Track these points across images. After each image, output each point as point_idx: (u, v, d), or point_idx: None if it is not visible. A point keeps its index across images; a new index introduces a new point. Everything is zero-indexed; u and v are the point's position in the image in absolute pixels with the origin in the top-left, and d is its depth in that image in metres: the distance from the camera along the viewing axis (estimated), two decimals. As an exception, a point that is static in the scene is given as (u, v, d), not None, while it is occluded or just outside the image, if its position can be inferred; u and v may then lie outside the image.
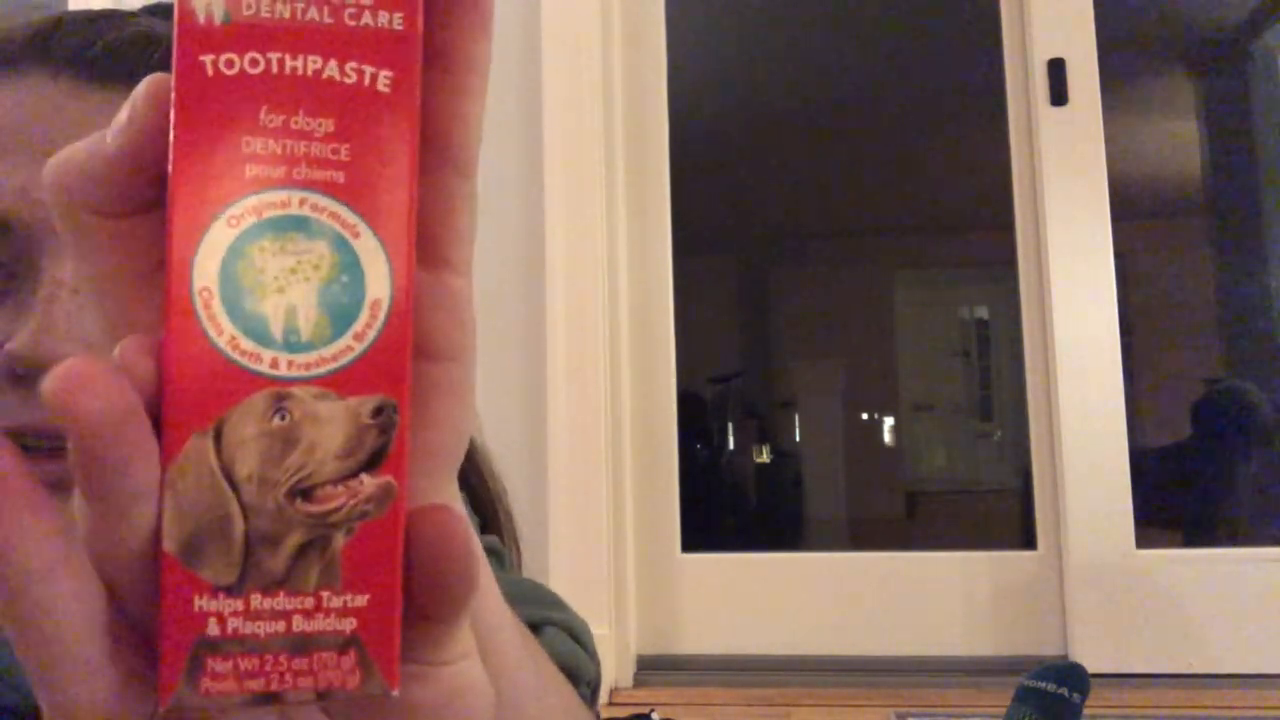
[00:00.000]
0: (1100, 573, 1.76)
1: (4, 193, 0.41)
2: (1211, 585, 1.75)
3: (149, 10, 0.51)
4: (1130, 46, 2.11)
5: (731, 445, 2.57)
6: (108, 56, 0.44)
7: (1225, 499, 2.12)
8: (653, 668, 1.82)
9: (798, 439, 2.59)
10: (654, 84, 2.02)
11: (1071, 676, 1.26)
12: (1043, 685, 1.25)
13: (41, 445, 0.40)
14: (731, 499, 2.49)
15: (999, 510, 2.48)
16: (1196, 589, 1.75)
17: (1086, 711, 1.39)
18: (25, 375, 0.40)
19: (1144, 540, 1.78)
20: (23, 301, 0.41)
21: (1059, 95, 1.86)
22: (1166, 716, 1.55)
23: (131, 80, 0.37)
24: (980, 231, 2.37)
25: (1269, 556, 1.77)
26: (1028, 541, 1.88)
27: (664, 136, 2.01)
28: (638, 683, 1.76)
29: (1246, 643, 1.72)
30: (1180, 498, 2.07)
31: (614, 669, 1.73)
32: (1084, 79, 1.86)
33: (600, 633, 1.74)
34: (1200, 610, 1.74)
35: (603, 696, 1.69)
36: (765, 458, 2.54)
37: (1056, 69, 1.87)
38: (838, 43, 2.44)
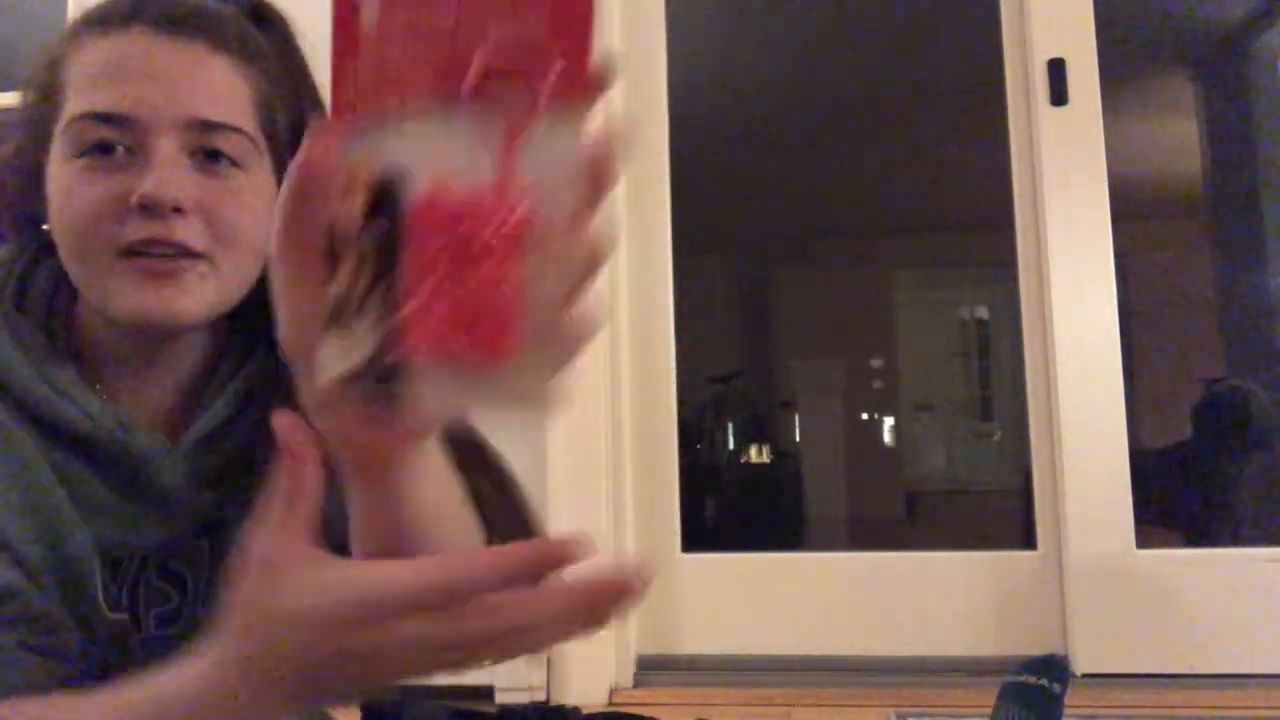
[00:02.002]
0: (1100, 573, 1.76)
1: (129, 101, 0.65)
2: (1211, 585, 1.75)
3: None
4: (1130, 46, 2.11)
5: (731, 445, 2.57)
6: (186, 18, 0.68)
7: (1225, 499, 2.12)
8: (653, 668, 1.82)
9: (798, 439, 2.58)
10: (654, 84, 2.02)
11: (1050, 667, 1.28)
12: (1023, 679, 1.27)
13: (169, 253, 0.66)
14: (731, 499, 2.49)
15: (999, 510, 2.48)
16: (1196, 589, 1.75)
17: (1087, 712, 1.39)
18: (146, 204, 0.64)
19: (1144, 540, 1.78)
20: (145, 165, 0.66)
21: (1059, 95, 1.86)
22: (1166, 716, 1.55)
23: (202, 36, 0.67)
24: (980, 231, 2.37)
25: (1269, 556, 1.77)
26: (1028, 541, 1.88)
27: (664, 136, 2.01)
28: (638, 683, 1.76)
29: (1246, 643, 1.72)
30: (1180, 498, 2.07)
31: (614, 669, 1.73)
32: (1084, 79, 1.86)
33: (600, 633, 1.74)
34: (1200, 610, 1.74)
35: (603, 696, 1.69)
36: (765, 458, 2.54)
37: (1056, 69, 1.87)
38: (838, 43, 2.44)
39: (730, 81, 2.42)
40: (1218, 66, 2.30)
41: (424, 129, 0.34)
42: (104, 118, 0.65)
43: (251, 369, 0.73)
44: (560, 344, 0.36)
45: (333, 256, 0.36)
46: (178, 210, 0.65)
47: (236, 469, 0.71)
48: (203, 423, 0.71)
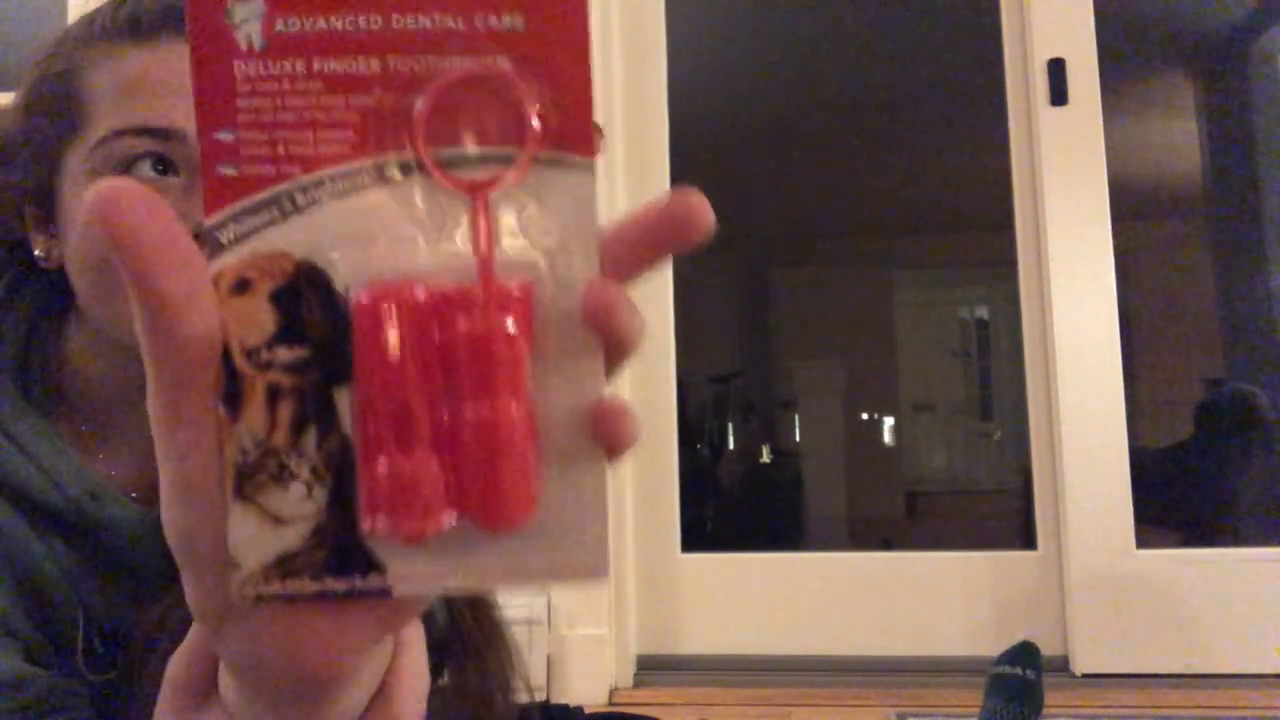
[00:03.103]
0: (1100, 573, 1.76)
1: (179, 114, 0.60)
2: (1211, 585, 1.75)
3: None
4: (1130, 46, 2.11)
5: (731, 445, 2.57)
6: None
7: (1225, 499, 2.12)
8: (653, 668, 1.82)
9: (798, 439, 2.59)
10: (654, 84, 2.02)
11: (1023, 655, 1.30)
12: (1001, 669, 1.29)
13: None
14: (731, 499, 2.49)
15: (999, 510, 2.48)
16: (1196, 589, 1.75)
17: (1087, 712, 1.39)
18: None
19: (1144, 540, 1.78)
20: (198, 192, 0.57)
21: (1059, 95, 1.86)
22: (1166, 716, 1.55)
23: None
24: (980, 231, 2.37)
25: (1269, 556, 1.77)
26: (1028, 542, 1.88)
27: (664, 136, 2.01)
28: (638, 683, 1.76)
29: (1246, 643, 1.72)
30: (1180, 498, 2.07)
31: (614, 669, 1.73)
32: (1084, 79, 1.86)
33: (600, 633, 1.74)
34: (1200, 610, 1.74)
35: (603, 696, 1.69)
36: (765, 458, 2.54)
37: (1056, 69, 1.87)
38: (838, 43, 2.44)
39: (730, 81, 2.42)
40: (1218, 66, 2.30)
41: (346, 205, 0.25)
42: (153, 132, 0.60)
43: None
44: (590, 469, 0.26)
45: (229, 393, 0.24)
46: None
47: None
48: None
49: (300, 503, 0.24)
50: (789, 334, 2.70)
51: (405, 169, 0.25)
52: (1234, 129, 2.29)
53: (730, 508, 2.49)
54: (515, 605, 1.66)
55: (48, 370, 0.65)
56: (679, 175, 2.02)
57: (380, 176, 0.25)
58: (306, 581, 0.25)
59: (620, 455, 0.26)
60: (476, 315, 0.24)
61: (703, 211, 0.26)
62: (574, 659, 1.70)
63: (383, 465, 0.24)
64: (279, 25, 0.24)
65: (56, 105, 0.63)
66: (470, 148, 0.25)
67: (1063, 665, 1.75)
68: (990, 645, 1.80)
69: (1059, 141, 1.86)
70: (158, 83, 0.61)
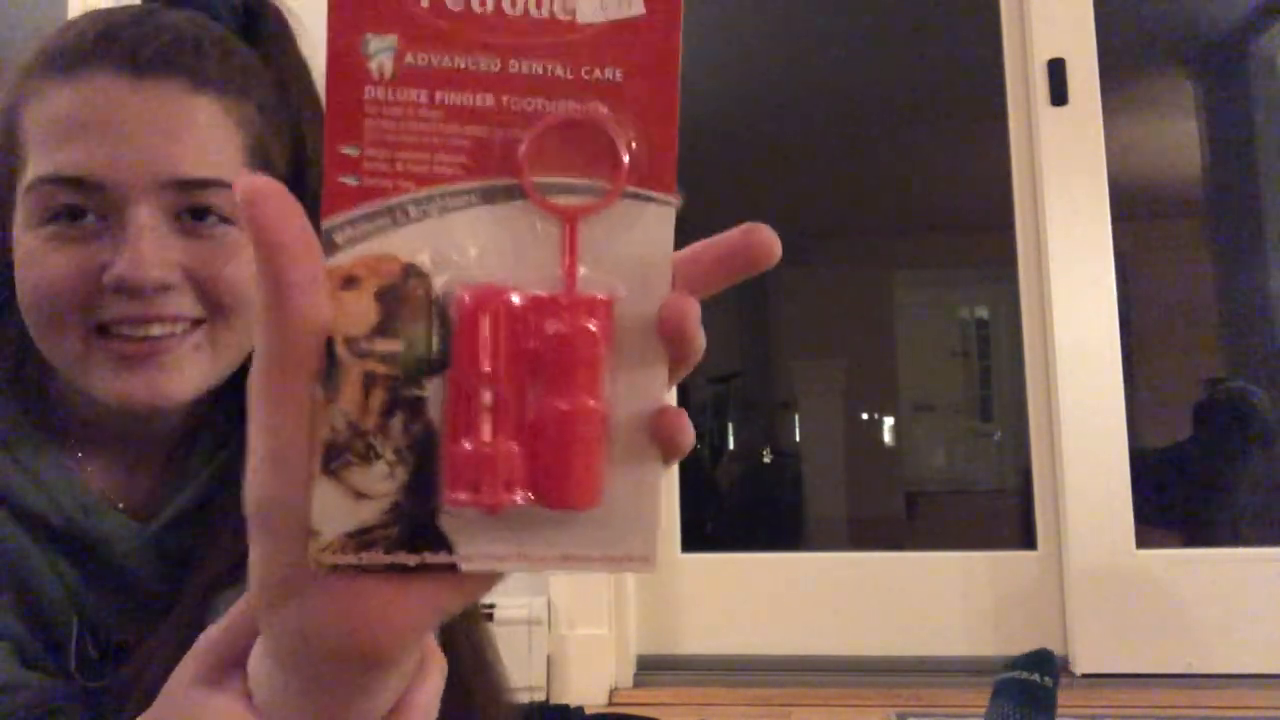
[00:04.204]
0: (1100, 573, 1.76)
1: (97, 163, 0.57)
2: (1211, 585, 1.75)
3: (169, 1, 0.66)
4: (1130, 46, 2.11)
5: (731, 445, 2.57)
6: (158, 56, 0.59)
7: (1225, 499, 2.12)
8: (653, 668, 1.82)
9: (798, 439, 2.59)
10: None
11: (1041, 661, 1.28)
12: (1015, 675, 1.27)
13: (152, 334, 0.59)
14: (731, 499, 2.49)
15: (999, 510, 2.48)
16: (1196, 589, 1.75)
17: (1087, 712, 1.39)
18: (123, 288, 0.57)
19: (1144, 540, 1.78)
20: (117, 238, 0.58)
21: (1059, 95, 1.86)
22: (1166, 716, 1.55)
23: (179, 74, 0.59)
24: (980, 231, 2.37)
25: (1269, 556, 1.77)
26: (1028, 542, 1.88)
27: (664, 136, 2.01)
28: (638, 683, 1.76)
29: (1246, 643, 1.72)
30: (1180, 498, 2.08)
31: (614, 669, 1.73)
32: (1084, 79, 1.86)
33: (600, 633, 1.74)
34: (1200, 610, 1.74)
35: (603, 696, 1.69)
36: (765, 458, 2.54)
37: (1056, 69, 1.87)
38: (837, 43, 2.44)
39: (730, 81, 2.42)
40: (1218, 66, 2.30)
41: (452, 220, 0.28)
42: (69, 181, 0.58)
43: (234, 449, 0.66)
44: (648, 468, 0.29)
45: (328, 376, 0.27)
46: (164, 287, 0.58)
47: (205, 550, 0.64)
48: (177, 503, 0.65)
49: (381, 481, 0.27)
50: (789, 334, 2.70)
51: (508, 193, 0.28)
52: (1234, 129, 2.29)
53: (730, 508, 2.49)
54: (515, 605, 1.66)
55: (40, 385, 0.65)
56: (679, 175, 2.02)
57: (485, 197, 0.28)
58: (379, 554, 0.27)
59: (676, 458, 0.29)
60: (563, 319, 0.28)
61: (773, 245, 0.29)
62: (574, 659, 1.70)
63: (469, 444, 0.27)
64: (409, 59, 0.28)
65: (3, 141, 0.62)
66: (566, 178, 0.28)
67: (1063, 665, 1.75)
68: (990, 645, 1.81)
69: (1059, 141, 1.86)
70: (78, 122, 0.58)
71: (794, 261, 2.66)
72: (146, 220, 0.58)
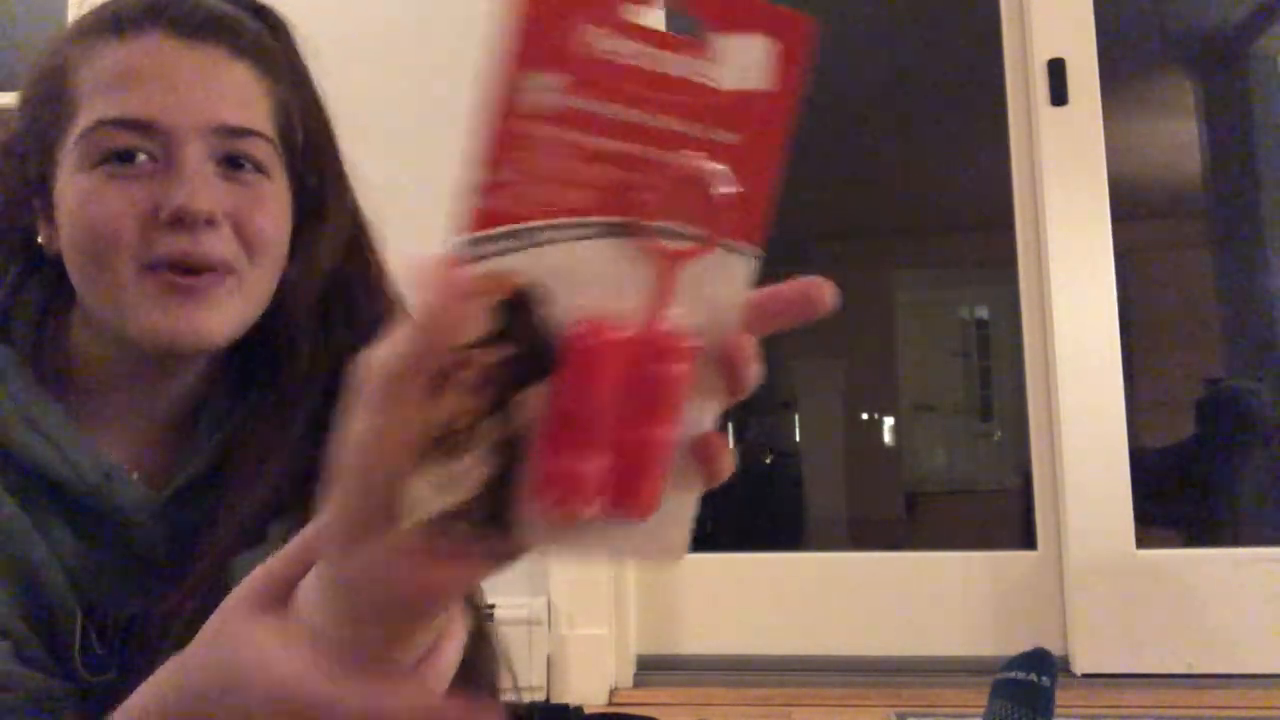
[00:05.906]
0: (1100, 573, 1.76)
1: (155, 106, 0.63)
2: (1212, 584, 1.75)
3: None
4: (1130, 46, 2.11)
5: (731, 445, 2.57)
6: (205, 24, 0.66)
7: (1225, 499, 2.12)
8: (653, 668, 1.82)
9: (798, 439, 2.59)
10: (654, 84, 2.02)
11: (1037, 661, 1.28)
12: (1012, 675, 1.27)
13: (197, 268, 0.63)
14: (731, 499, 2.49)
15: (999, 510, 2.48)
16: (1197, 588, 1.75)
17: (1087, 712, 1.39)
18: (182, 217, 0.62)
19: (1144, 540, 1.78)
20: (173, 174, 0.63)
21: (1059, 95, 1.86)
22: (1167, 716, 1.55)
23: (222, 41, 0.66)
24: (980, 231, 2.37)
25: (1269, 556, 1.77)
26: (1028, 541, 1.88)
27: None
28: (638, 683, 1.76)
29: (1246, 643, 1.72)
30: (1180, 498, 2.08)
31: (614, 669, 1.73)
32: (1084, 79, 1.86)
33: (600, 633, 1.74)
34: (1200, 610, 1.74)
35: (603, 696, 1.69)
36: (766, 458, 2.54)
37: (1056, 69, 1.87)
38: (837, 43, 2.44)
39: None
40: (1218, 66, 2.30)
41: (571, 249, 0.31)
42: (127, 124, 0.63)
43: (243, 412, 0.69)
44: (694, 485, 0.33)
45: (439, 376, 0.30)
46: (209, 222, 0.63)
47: (217, 518, 0.66)
48: (188, 471, 0.68)
49: (469, 471, 0.30)
50: (789, 334, 2.70)
51: (624, 230, 0.31)
52: (1234, 129, 2.29)
53: (730, 508, 2.49)
54: (515, 605, 1.66)
55: (58, 355, 0.68)
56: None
57: (605, 231, 0.31)
58: (464, 527, 0.31)
59: (716, 483, 0.33)
60: (663, 359, 0.31)
61: (831, 299, 0.34)
62: (574, 659, 1.70)
63: (563, 460, 0.30)
64: (571, 101, 0.30)
65: (49, 100, 0.66)
66: (674, 224, 0.32)
67: (1063, 665, 1.75)
68: (990, 645, 1.81)
69: (1059, 141, 1.86)
70: (134, 73, 0.64)
71: (794, 261, 2.67)
72: (197, 160, 0.63)
